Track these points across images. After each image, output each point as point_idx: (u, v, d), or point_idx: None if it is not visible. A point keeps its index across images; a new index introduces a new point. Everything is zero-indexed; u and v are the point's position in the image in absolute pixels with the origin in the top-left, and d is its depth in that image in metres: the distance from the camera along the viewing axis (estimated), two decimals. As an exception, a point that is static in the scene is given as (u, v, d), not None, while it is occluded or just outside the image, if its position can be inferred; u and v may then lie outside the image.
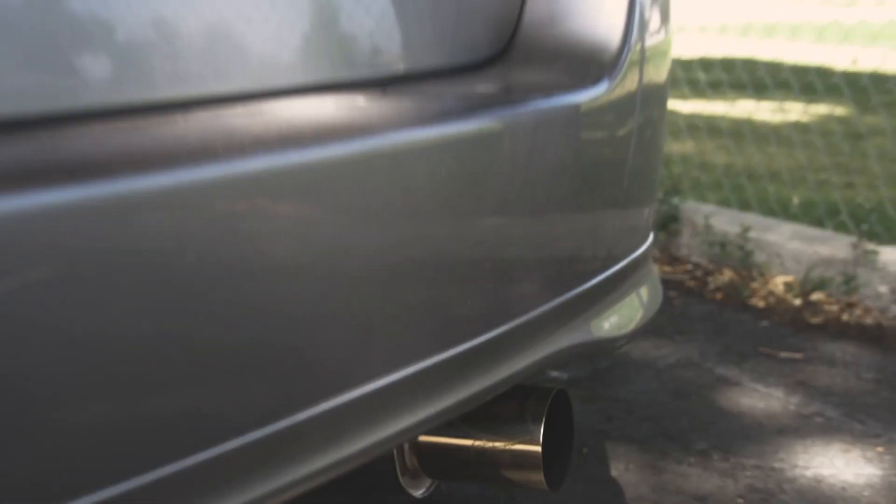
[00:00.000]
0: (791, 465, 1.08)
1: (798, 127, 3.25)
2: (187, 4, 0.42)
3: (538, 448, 0.67)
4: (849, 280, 1.64)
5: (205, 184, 0.36)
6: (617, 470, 1.05)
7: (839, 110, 3.86)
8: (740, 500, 1.00)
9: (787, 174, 2.41)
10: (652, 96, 0.77)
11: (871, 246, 1.63)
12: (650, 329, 1.34)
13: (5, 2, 0.33)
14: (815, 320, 1.61)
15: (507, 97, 0.66)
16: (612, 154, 0.70)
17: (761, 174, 2.41)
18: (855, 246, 1.64)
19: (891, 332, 1.54)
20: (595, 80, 0.65)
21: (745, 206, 2.18)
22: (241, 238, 0.37)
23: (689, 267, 1.99)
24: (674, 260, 2.06)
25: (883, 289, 1.58)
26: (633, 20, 0.69)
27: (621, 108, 0.70)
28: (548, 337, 0.64)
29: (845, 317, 1.60)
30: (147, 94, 0.41)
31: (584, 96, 0.63)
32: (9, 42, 0.33)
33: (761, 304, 1.72)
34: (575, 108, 0.63)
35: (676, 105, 4.66)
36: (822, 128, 3.59)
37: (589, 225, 0.70)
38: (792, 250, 1.79)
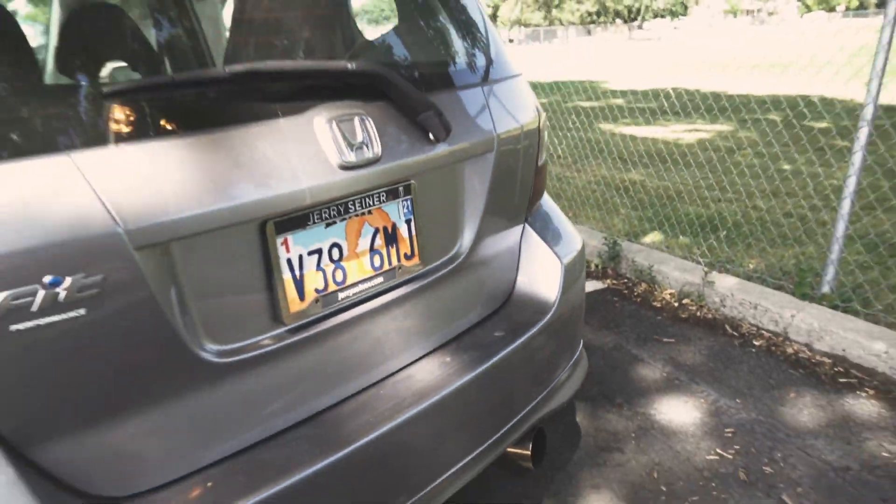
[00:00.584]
0: (658, 412, 2.42)
1: (699, 144, 4.63)
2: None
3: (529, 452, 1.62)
4: (700, 293, 3.06)
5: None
6: (579, 418, 2.41)
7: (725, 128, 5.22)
8: (633, 435, 2.36)
9: (684, 193, 3.82)
10: (571, 320, 1.70)
11: (711, 275, 3.05)
12: (605, 324, 2.71)
13: None
14: (683, 315, 3.03)
15: (512, 332, 1.48)
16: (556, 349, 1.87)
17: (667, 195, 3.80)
18: (704, 274, 3.06)
19: (719, 322, 2.95)
20: (546, 314, 1.56)
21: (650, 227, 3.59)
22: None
23: (625, 281, 3.40)
24: (617, 276, 3.46)
25: (716, 298, 3.00)
26: (561, 287, 1.60)
27: (559, 328, 1.60)
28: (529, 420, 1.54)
29: (698, 314, 3.02)
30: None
31: (543, 323, 1.52)
32: None
33: (658, 305, 3.13)
34: (541, 331, 1.52)
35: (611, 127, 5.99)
36: (713, 144, 5.02)
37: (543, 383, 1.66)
38: (675, 276, 3.20)
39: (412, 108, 1.23)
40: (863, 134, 2.63)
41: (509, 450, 1.61)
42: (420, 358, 1.38)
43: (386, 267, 1.28)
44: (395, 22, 1.64)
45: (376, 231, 1.25)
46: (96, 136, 0.89)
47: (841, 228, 2.76)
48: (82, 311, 0.86)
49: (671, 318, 3.01)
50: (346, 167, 1.11)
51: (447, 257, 1.43)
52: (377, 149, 1.16)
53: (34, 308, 0.82)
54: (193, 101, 1.02)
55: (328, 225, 1.16)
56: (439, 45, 1.61)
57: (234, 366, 1.04)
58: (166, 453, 1.00)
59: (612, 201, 4.61)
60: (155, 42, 1.43)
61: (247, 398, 1.08)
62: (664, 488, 1.91)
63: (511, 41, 68.09)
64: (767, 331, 2.80)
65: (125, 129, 0.91)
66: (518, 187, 1.59)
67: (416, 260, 1.34)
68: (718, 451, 2.07)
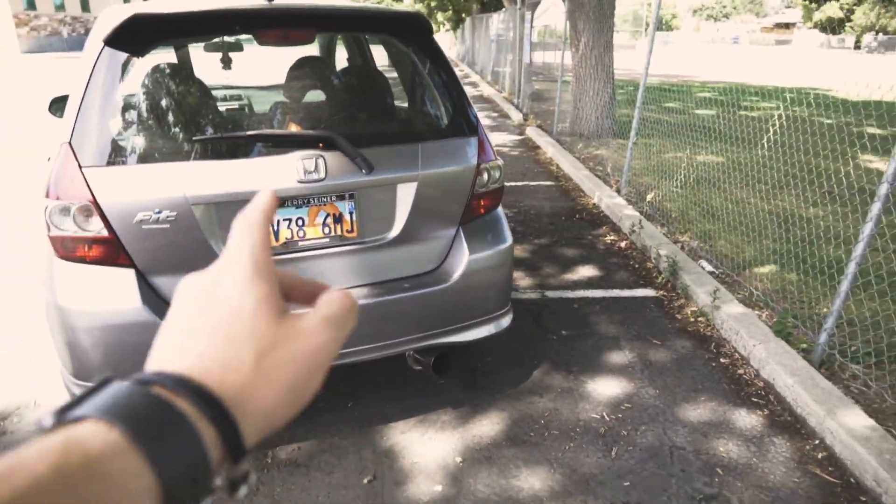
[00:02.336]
0: (593, 382, 3.19)
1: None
2: None
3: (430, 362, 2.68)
4: (712, 315, 3.61)
5: None
6: (537, 371, 3.27)
7: None
8: (559, 390, 3.17)
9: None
10: (474, 293, 2.68)
11: (717, 301, 3.56)
12: (625, 319, 3.51)
13: None
14: (690, 329, 3.61)
15: (413, 287, 2.51)
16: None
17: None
18: (712, 301, 3.59)
19: (710, 338, 3.48)
20: (441, 284, 2.64)
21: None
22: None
23: (673, 294, 4.03)
24: (669, 289, 4.10)
25: (719, 321, 3.52)
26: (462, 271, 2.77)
27: (457, 296, 2.64)
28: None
29: (701, 329, 3.58)
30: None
31: (437, 288, 2.57)
32: None
33: (679, 317, 3.74)
34: (435, 293, 2.64)
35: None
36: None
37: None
38: (703, 299, 3.76)
39: (350, 155, 2.36)
40: None
41: (411, 354, 2.68)
42: (351, 286, 2.53)
43: (332, 234, 2.44)
44: (402, 100, 2.75)
45: (328, 215, 2.42)
46: (186, 156, 2.21)
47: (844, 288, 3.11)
48: (167, 225, 2.19)
49: (678, 328, 3.62)
50: (301, 182, 2.30)
51: (381, 236, 2.53)
52: (322, 174, 2.32)
53: (151, 220, 2.17)
54: (233, 145, 2.30)
55: (297, 207, 2.36)
56: (412, 114, 2.69)
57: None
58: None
59: (768, 233, 5.00)
60: (222, 113, 2.75)
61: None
62: (542, 422, 2.79)
63: (858, 47, 59.92)
64: (739, 353, 3.30)
65: (202, 155, 2.22)
66: (445, 206, 2.60)
67: (354, 234, 2.47)
68: (605, 414, 2.84)
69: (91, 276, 2.22)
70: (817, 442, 2.64)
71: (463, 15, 28.47)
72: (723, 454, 2.57)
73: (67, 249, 2.21)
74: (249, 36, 2.51)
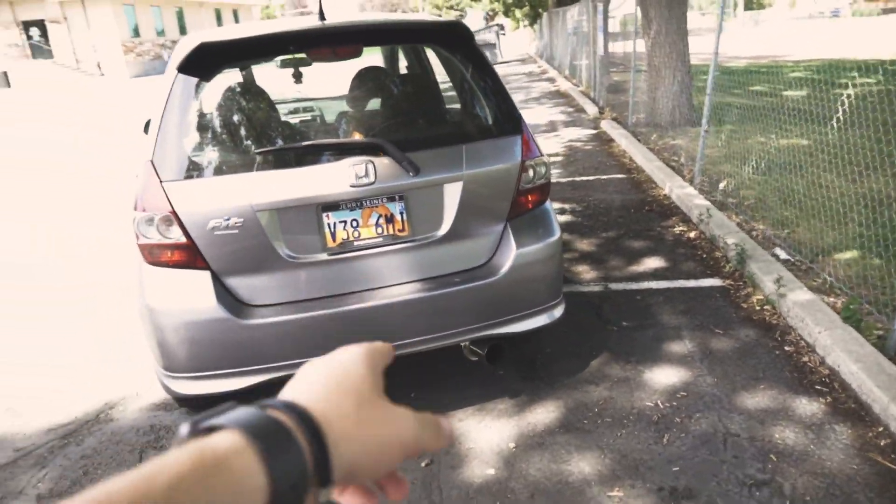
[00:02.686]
0: (650, 371, 3.19)
1: None
2: None
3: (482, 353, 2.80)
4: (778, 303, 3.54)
5: None
6: (596, 361, 3.30)
7: None
8: (616, 379, 3.19)
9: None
10: (523, 286, 2.77)
11: (782, 289, 3.48)
12: (688, 309, 3.53)
13: None
14: (755, 318, 3.55)
15: (465, 282, 2.64)
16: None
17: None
18: (777, 288, 3.51)
19: (776, 326, 3.41)
20: (490, 278, 2.71)
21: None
22: None
23: (740, 283, 3.97)
24: (737, 278, 4.04)
25: (786, 308, 3.45)
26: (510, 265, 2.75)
27: (506, 289, 2.71)
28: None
29: (767, 318, 3.51)
30: None
31: (486, 282, 2.69)
32: None
33: (744, 305, 3.68)
34: (485, 287, 2.69)
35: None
36: None
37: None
38: (770, 287, 3.68)
39: (397, 159, 2.52)
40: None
41: (466, 345, 2.81)
42: (405, 282, 2.69)
43: (385, 234, 2.61)
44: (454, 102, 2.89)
45: (380, 216, 2.59)
46: (250, 167, 2.44)
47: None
48: (237, 231, 2.43)
49: (743, 317, 3.58)
50: (353, 186, 2.48)
51: (431, 234, 2.68)
52: (372, 178, 2.49)
53: (222, 227, 2.41)
54: (290, 155, 2.51)
55: (351, 210, 2.55)
56: (457, 117, 2.82)
57: (299, 262, 2.53)
58: (265, 293, 2.55)
59: (853, 217, 4.83)
60: (282, 126, 2.95)
61: (302, 280, 2.56)
62: (596, 410, 2.86)
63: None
64: (805, 341, 3.23)
65: (264, 165, 2.45)
66: (492, 203, 2.72)
67: (406, 233, 2.63)
68: (660, 402, 2.88)
69: (174, 278, 2.50)
70: (881, 429, 2.57)
71: (540, 10, 28.30)
72: (778, 441, 2.56)
73: (153, 255, 2.49)
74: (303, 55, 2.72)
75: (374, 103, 3.21)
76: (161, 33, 40.99)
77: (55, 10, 36.56)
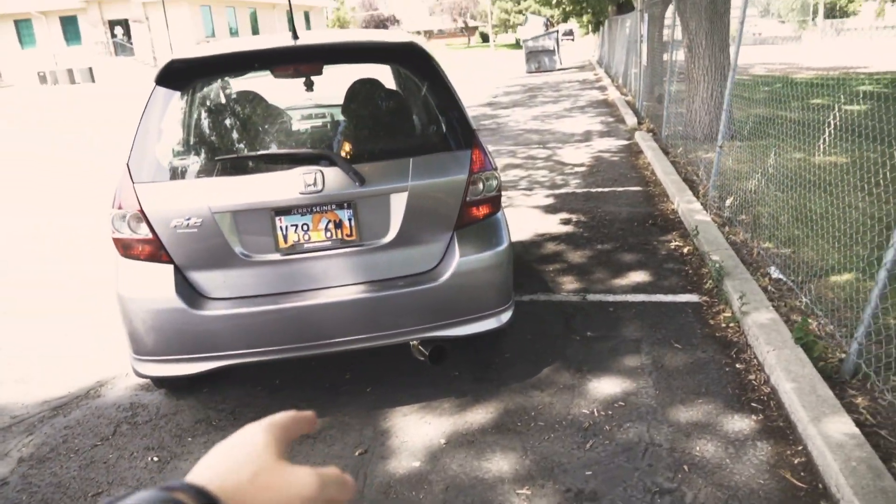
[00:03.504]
0: (597, 380, 3.29)
1: None
2: None
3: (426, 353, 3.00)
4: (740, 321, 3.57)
5: None
6: (549, 368, 3.42)
7: None
8: (560, 387, 3.29)
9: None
10: (465, 293, 2.95)
11: (744, 308, 3.51)
12: (657, 322, 3.63)
13: None
14: (718, 334, 3.59)
15: (408, 285, 2.86)
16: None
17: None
18: (740, 307, 3.54)
19: (734, 343, 3.44)
20: (429, 284, 2.90)
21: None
22: None
23: (714, 300, 4.01)
24: (713, 295, 4.07)
25: (746, 327, 3.48)
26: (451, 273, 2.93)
27: (447, 296, 2.89)
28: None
29: (728, 336, 3.55)
30: None
31: (426, 287, 2.92)
32: None
33: (712, 322, 3.73)
34: (425, 291, 2.91)
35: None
36: None
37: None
38: (736, 305, 3.72)
39: (344, 169, 2.73)
40: None
41: (414, 345, 2.99)
42: (352, 283, 2.89)
43: (334, 238, 2.83)
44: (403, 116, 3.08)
45: (329, 221, 2.81)
46: (210, 173, 2.70)
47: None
48: (195, 230, 2.69)
49: (707, 333, 3.62)
50: (302, 193, 2.71)
51: (378, 240, 2.87)
52: (320, 186, 2.71)
53: (183, 226, 2.68)
54: (246, 163, 2.76)
55: (301, 214, 2.77)
56: (404, 132, 3.02)
57: (253, 261, 2.77)
58: (222, 287, 2.80)
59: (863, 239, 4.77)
60: (246, 135, 3.19)
61: (255, 277, 2.80)
62: (532, 415, 2.99)
63: None
64: (756, 360, 3.27)
65: (222, 171, 2.70)
66: (438, 213, 2.89)
67: (354, 237, 2.84)
68: (596, 411, 2.98)
69: (141, 270, 2.78)
70: (799, 448, 2.61)
71: (601, 18, 28.07)
72: (697, 454, 2.64)
73: (126, 249, 2.79)
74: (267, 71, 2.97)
75: (335, 115, 3.43)
76: (235, 33, 42.61)
77: (138, 11, 38.60)
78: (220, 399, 3.28)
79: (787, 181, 6.06)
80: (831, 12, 74.31)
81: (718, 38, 9.10)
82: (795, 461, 2.55)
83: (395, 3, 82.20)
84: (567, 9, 25.89)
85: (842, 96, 10.05)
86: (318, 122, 3.41)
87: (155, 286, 2.75)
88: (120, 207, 2.74)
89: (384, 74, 3.90)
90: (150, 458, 2.85)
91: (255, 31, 44.55)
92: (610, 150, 9.17)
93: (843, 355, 3.20)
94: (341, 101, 3.19)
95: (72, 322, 4.34)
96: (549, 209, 6.36)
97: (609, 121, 12.05)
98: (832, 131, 7.06)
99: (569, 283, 4.44)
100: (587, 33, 43.80)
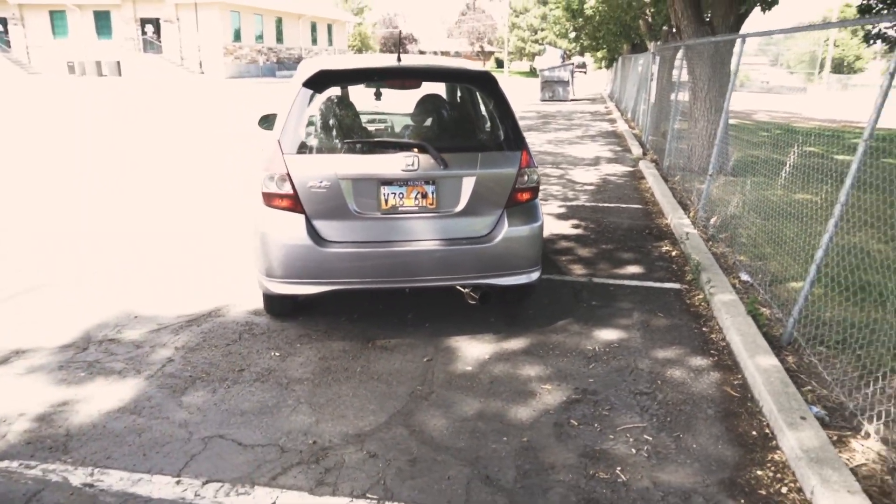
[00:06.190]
0: (585, 338, 4.39)
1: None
2: None
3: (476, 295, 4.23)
4: (710, 301, 4.69)
5: None
6: (555, 327, 4.53)
7: None
8: (550, 346, 4.39)
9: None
10: (509, 255, 4.09)
11: (712, 289, 4.63)
12: (645, 299, 4.77)
13: None
14: (692, 310, 4.70)
15: (470, 244, 4.10)
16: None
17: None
18: (709, 290, 4.66)
19: (705, 315, 4.55)
20: (486, 244, 4.15)
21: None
22: None
23: (695, 289, 5.13)
24: (693, 286, 5.20)
25: (714, 306, 4.59)
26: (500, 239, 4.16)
27: (496, 255, 4.03)
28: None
29: (702, 310, 4.66)
30: None
31: (481, 247, 4.08)
32: None
33: (688, 302, 4.84)
34: (481, 251, 4.15)
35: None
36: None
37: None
38: (708, 290, 4.84)
39: (433, 156, 3.85)
40: None
41: (467, 291, 4.10)
42: (430, 239, 4.00)
43: (420, 205, 3.94)
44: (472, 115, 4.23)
45: (418, 192, 3.93)
46: (338, 151, 3.83)
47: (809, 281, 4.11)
48: (325, 190, 3.80)
49: (683, 308, 4.74)
50: (403, 170, 3.83)
51: (450, 209, 3.99)
52: (416, 167, 3.83)
53: (316, 187, 3.79)
54: (364, 146, 3.90)
55: (399, 186, 3.89)
56: (476, 134, 4.16)
57: (362, 216, 3.89)
58: (337, 233, 3.90)
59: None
60: (362, 127, 4.33)
61: (363, 228, 3.92)
62: (551, 346, 4.08)
63: None
64: (718, 325, 4.38)
65: (347, 151, 3.83)
66: (495, 194, 4.01)
67: (434, 206, 3.96)
68: (597, 347, 4.08)
69: (282, 217, 3.88)
70: (739, 376, 3.72)
71: (616, 55, 29.52)
72: (668, 376, 3.74)
73: (270, 201, 3.89)
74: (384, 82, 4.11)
75: (427, 119, 4.58)
76: (259, 39, 44.09)
77: (170, 11, 40.07)
78: (313, 323, 4.36)
79: (766, 210, 7.21)
80: (838, 68, 76.36)
81: (718, 84, 10.29)
82: (735, 382, 3.66)
83: (415, 23, 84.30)
84: (584, 43, 27.31)
85: (837, 149, 11.31)
86: (410, 122, 4.54)
87: (292, 229, 3.85)
88: (269, 170, 3.85)
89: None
90: (272, 353, 3.93)
91: (280, 39, 46.05)
92: (616, 174, 10.34)
93: (782, 330, 4.31)
94: (412, 110, 4.35)
95: (195, 264, 5.45)
96: (562, 216, 7.51)
97: (617, 149, 13.25)
98: (820, 175, 8.21)
99: (577, 269, 5.56)
100: (599, 68, 45.43)
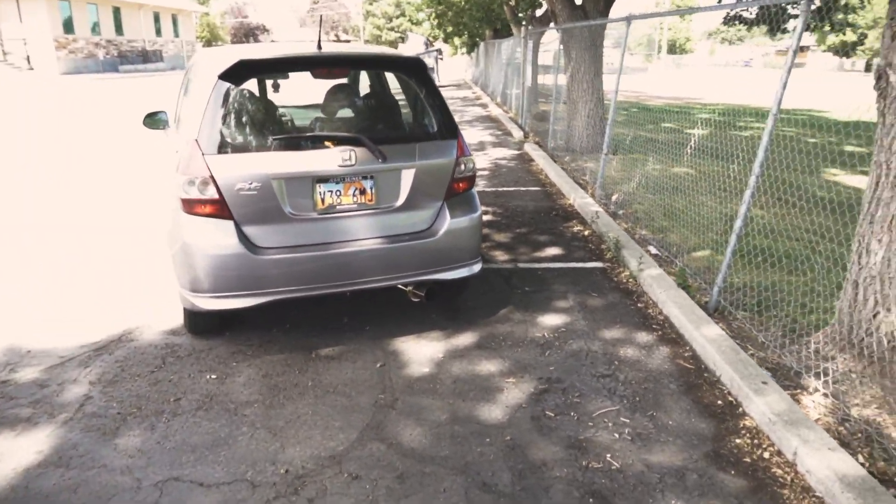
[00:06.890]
0: (527, 320, 4.41)
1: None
2: None
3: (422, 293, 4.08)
4: (638, 278, 4.82)
5: None
6: (500, 310, 4.50)
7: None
8: (497, 325, 4.39)
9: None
10: (452, 247, 3.97)
11: (642, 265, 4.77)
12: (575, 280, 4.76)
13: None
14: (622, 287, 4.82)
15: (409, 239, 3.93)
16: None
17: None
18: (638, 265, 4.80)
19: (635, 292, 4.68)
20: (426, 239, 3.99)
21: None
22: None
23: (616, 266, 5.25)
24: (614, 262, 5.32)
25: (642, 281, 4.73)
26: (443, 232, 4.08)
27: (439, 248, 3.90)
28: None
29: (629, 287, 4.79)
30: None
31: (422, 242, 4.00)
32: None
33: (615, 279, 4.95)
34: (421, 245, 3.98)
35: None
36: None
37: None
38: (633, 266, 4.98)
39: (371, 149, 3.62)
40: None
41: (410, 289, 3.92)
42: (370, 238, 3.77)
43: (358, 202, 3.70)
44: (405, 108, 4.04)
45: (356, 189, 3.68)
46: (268, 149, 3.50)
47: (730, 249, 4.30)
48: (255, 192, 3.46)
49: (613, 287, 4.84)
50: (340, 166, 3.57)
51: (390, 204, 3.78)
52: (352, 162, 3.58)
53: (245, 189, 3.45)
54: (296, 142, 3.59)
55: (336, 183, 3.62)
56: (411, 123, 3.97)
57: (297, 218, 3.58)
58: (271, 238, 3.58)
59: (714, 228, 6.20)
60: (290, 121, 4.03)
61: (299, 231, 3.62)
62: (501, 338, 4.00)
63: (869, 70, 60.57)
64: (651, 300, 4.51)
65: (278, 147, 3.51)
66: (434, 186, 3.85)
67: (373, 202, 3.73)
68: (546, 334, 4.05)
69: (206, 225, 3.49)
70: (687, 348, 3.84)
71: (477, 40, 30.00)
72: (622, 355, 3.78)
73: (191, 207, 3.49)
74: (307, 72, 3.81)
75: (349, 111, 4.32)
76: (96, 31, 40.50)
77: (-15, 1, 35.73)
78: (244, 339, 4.00)
79: (655, 186, 7.57)
80: (672, 49, 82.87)
81: (594, 66, 10.68)
82: (686, 354, 3.77)
83: (265, 13, 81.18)
84: (448, 29, 27.51)
85: (688, 123, 12.01)
86: (324, 115, 4.26)
87: (220, 237, 3.47)
88: (187, 174, 3.44)
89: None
90: (208, 376, 3.55)
91: (120, 31, 42.56)
92: (505, 158, 10.48)
93: (707, 299, 4.51)
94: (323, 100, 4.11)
95: (90, 280, 4.81)
96: (467, 203, 7.46)
97: (497, 133, 13.45)
98: (687, 150, 8.72)
99: (501, 255, 5.53)
100: (455, 53, 46.05)
